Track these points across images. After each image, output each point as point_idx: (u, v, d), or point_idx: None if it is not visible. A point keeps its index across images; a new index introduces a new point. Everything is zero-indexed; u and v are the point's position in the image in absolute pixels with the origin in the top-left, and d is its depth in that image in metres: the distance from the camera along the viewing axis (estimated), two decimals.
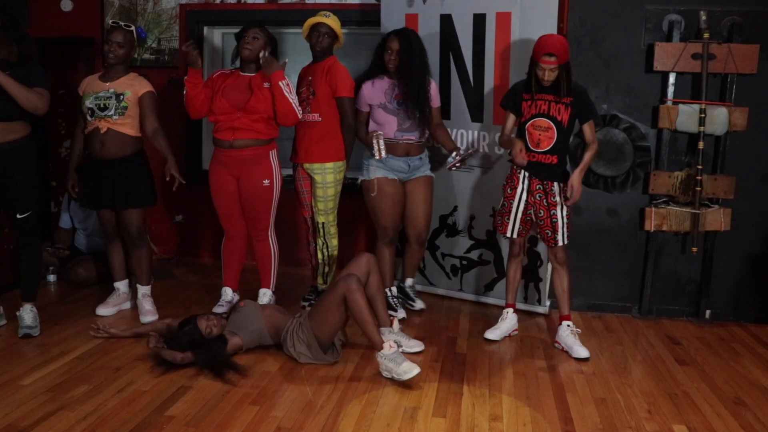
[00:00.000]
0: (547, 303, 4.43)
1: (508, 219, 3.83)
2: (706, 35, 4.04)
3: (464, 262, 4.63)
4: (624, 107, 4.30)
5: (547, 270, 4.34)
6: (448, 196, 4.58)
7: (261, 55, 3.94)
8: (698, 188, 4.13)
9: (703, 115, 4.07)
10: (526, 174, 3.75)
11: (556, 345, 3.82)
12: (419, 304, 4.42)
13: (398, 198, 4.20)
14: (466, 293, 4.65)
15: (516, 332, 4.00)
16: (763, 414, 3.10)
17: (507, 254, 4.08)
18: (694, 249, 4.23)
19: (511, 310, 3.99)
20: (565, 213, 3.75)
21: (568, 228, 3.78)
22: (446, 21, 4.37)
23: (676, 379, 3.47)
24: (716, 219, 4.20)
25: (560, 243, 3.77)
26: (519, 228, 3.83)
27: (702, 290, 4.34)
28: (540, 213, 3.75)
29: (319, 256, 4.36)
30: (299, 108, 3.98)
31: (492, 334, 3.92)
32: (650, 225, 4.24)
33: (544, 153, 3.68)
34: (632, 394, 3.27)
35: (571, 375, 3.49)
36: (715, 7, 4.11)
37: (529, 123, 3.69)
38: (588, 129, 3.72)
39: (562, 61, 3.53)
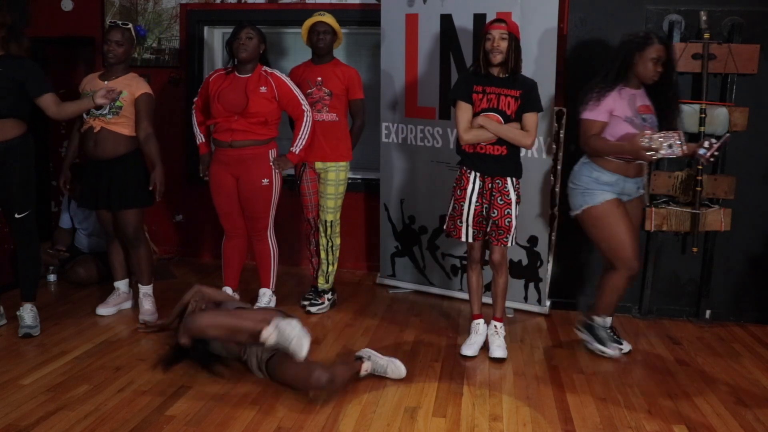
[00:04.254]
0: (547, 303, 4.43)
1: (461, 222, 3.64)
2: (706, 35, 4.04)
3: (464, 262, 4.63)
4: None
5: (547, 270, 4.34)
6: (447, 195, 4.56)
7: (272, 164, 4.04)
8: (698, 188, 4.13)
9: (703, 115, 4.06)
10: (477, 174, 3.60)
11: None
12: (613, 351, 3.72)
13: (632, 223, 3.70)
14: (466, 293, 4.64)
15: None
16: (763, 414, 3.10)
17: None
18: (695, 249, 4.23)
19: (481, 320, 3.79)
20: (517, 212, 3.62)
21: (517, 229, 3.67)
22: (446, 21, 4.37)
23: (676, 379, 3.47)
24: (716, 219, 4.20)
25: (509, 244, 3.63)
26: (474, 232, 3.65)
27: (702, 290, 4.34)
28: (494, 213, 3.58)
29: (323, 255, 4.36)
30: (308, 108, 4.05)
31: (468, 349, 3.70)
32: (650, 225, 4.24)
33: (492, 144, 3.55)
34: (632, 394, 3.27)
35: (571, 375, 3.49)
36: (716, 7, 4.11)
37: (480, 116, 3.55)
38: (529, 119, 3.52)
39: (512, 29, 3.47)
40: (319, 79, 4.18)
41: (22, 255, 3.83)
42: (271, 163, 4.03)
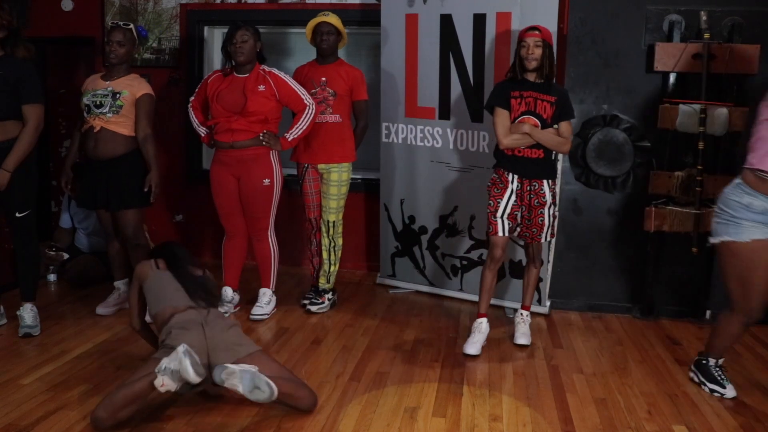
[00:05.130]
0: (548, 303, 4.43)
1: (495, 218, 3.73)
2: (706, 35, 4.04)
3: (464, 262, 4.63)
4: (624, 107, 4.30)
5: (547, 270, 4.34)
6: (447, 196, 4.59)
7: (261, 138, 4.00)
8: (698, 188, 4.13)
9: (703, 116, 4.06)
10: (516, 176, 3.71)
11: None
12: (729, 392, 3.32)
13: None
14: (467, 293, 4.65)
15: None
16: (764, 414, 3.10)
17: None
18: (695, 249, 4.22)
19: (484, 320, 3.80)
20: (552, 212, 3.78)
21: (553, 227, 3.82)
22: (446, 21, 4.37)
23: (676, 379, 3.47)
24: None
25: (543, 241, 3.84)
26: (509, 225, 3.74)
27: (702, 291, 4.34)
28: (529, 213, 3.75)
29: (325, 255, 4.37)
30: (311, 102, 4.04)
31: (471, 348, 3.72)
32: (650, 225, 4.23)
33: (530, 148, 3.68)
34: (632, 395, 3.27)
35: (571, 375, 3.49)
36: (716, 7, 4.11)
37: (518, 120, 3.67)
38: (565, 127, 3.69)
39: (546, 36, 3.60)
40: (324, 79, 4.18)
41: (22, 254, 3.82)
42: (260, 136, 4.00)
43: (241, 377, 2.67)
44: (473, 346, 3.73)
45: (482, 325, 3.80)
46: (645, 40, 4.22)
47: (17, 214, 3.71)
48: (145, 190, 3.96)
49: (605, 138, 4.31)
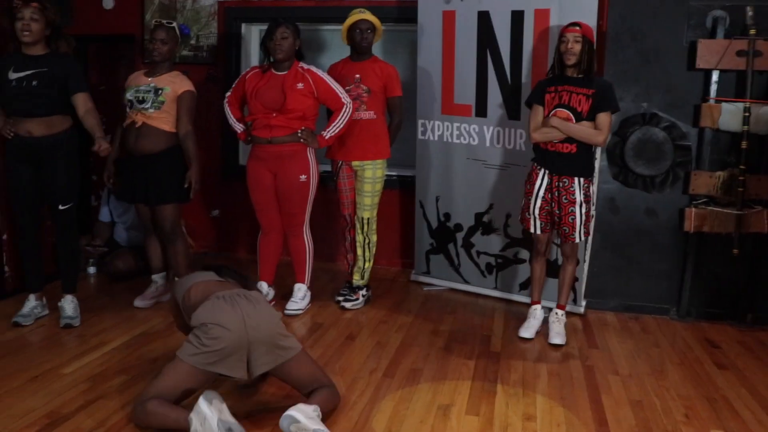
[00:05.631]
0: (583, 303, 4.39)
1: (528, 214, 3.85)
2: (752, 31, 3.95)
3: (499, 260, 4.61)
4: (664, 105, 4.23)
5: (583, 269, 4.30)
6: (483, 193, 4.56)
7: (299, 135, 4.01)
8: (741, 189, 4.05)
9: (747, 114, 3.98)
10: (546, 171, 3.75)
11: None
12: None
13: None
14: (501, 291, 4.63)
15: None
16: None
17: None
18: (736, 251, 4.14)
19: (539, 306, 4.01)
20: (584, 210, 3.75)
21: (586, 225, 3.80)
22: (484, 18, 4.35)
23: (715, 383, 3.40)
24: (760, 221, 4.10)
25: (577, 240, 3.81)
26: (541, 224, 3.83)
27: (743, 293, 4.25)
28: (558, 210, 3.76)
29: (359, 251, 4.38)
30: (349, 101, 4.05)
31: (526, 332, 3.92)
32: (690, 226, 4.17)
33: (562, 142, 3.69)
34: (669, 398, 3.22)
35: (607, 376, 3.44)
36: (763, 2, 4.01)
37: (550, 114, 3.70)
38: (601, 119, 3.65)
39: (586, 32, 3.62)
40: (358, 76, 4.19)
41: (63, 247, 3.90)
42: (298, 133, 4.01)
43: None
44: (528, 330, 3.92)
45: (537, 311, 3.99)
46: (687, 37, 4.14)
47: (60, 207, 3.79)
48: (186, 186, 4.01)
49: (644, 137, 4.25)
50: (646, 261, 4.39)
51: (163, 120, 3.98)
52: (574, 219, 3.74)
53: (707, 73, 4.12)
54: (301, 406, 2.64)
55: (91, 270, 4.91)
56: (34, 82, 3.61)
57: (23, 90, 3.61)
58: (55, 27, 3.70)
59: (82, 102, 3.73)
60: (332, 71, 4.30)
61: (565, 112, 3.67)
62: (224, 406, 2.56)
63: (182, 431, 2.57)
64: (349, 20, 4.18)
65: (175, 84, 4.00)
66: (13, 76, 3.62)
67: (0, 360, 3.38)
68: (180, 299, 2.97)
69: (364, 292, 4.43)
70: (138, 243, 4.82)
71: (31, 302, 3.91)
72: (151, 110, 3.94)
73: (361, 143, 4.22)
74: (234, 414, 2.60)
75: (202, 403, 2.50)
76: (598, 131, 3.65)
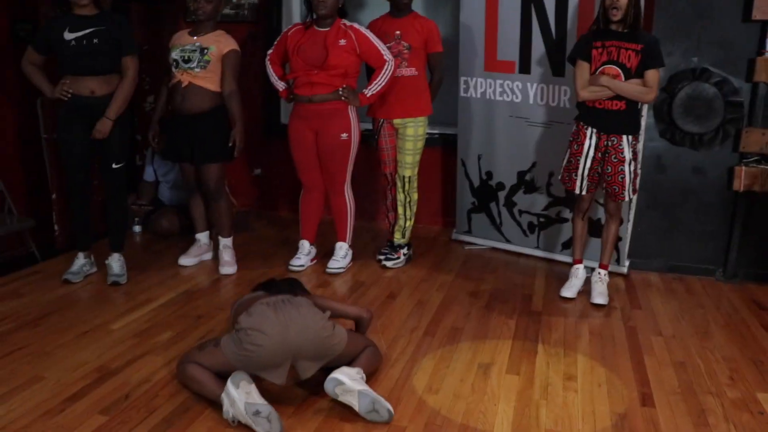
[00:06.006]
0: (626, 263, 4.33)
1: (576, 175, 3.77)
2: None
3: (542, 220, 4.56)
4: (716, 60, 4.08)
5: (627, 229, 4.23)
6: (526, 151, 4.50)
7: (341, 93, 3.97)
8: None
9: None
10: (594, 130, 3.67)
11: None
12: None
13: None
14: (543, 251, 4.59)
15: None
16: None
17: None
18: None
19: (581, 266, 3.98)
20: (632, 168, 3.69)
21: (634, 183, 3.74)
22: None
23: (761, 345, 3.34)
24: None
25: (626, 198, 3.76)
26: (587, 184, 3.78)
27: None
28: (608, 169, 3.69)
29: (400, 210, 4.38)
30: (391, 58, 4.00)
31: (568, 291, 3.90)
32: (740, 185, 4.05)
33: (611, 99, 3.60)
34: (713, 359, 3.18)
35: (649, 337, 3.41)
36: None
37: (599, 71, 3.61)
38: (650, 76, 3.56)
39: None
40: (398, 32, 4.13)
41: (112, 206, 3.98)
42: (339, 91, 4.00)
43: (359, 398, 2.57)
44: (569, 289, 3.90)
45: (579, 271, 3.96)
46: None
47: (114, 165, 3.85)
48: (230, 145, 4.03)
49: (694, 93, 4.12)
50: (692, 221, 4.30)
51: (209, 79, 3.99)
52: (623, 178, 3.67)
53: (764, 25, 3.95)
54: (344, 368, 2.67)
55: (137, 229, 5.01)
56: (95, 40, 3.65)
57: (84, 48, 3.65)
58: None
59: (130, 64, 3.78)
60: (372, 27, 4.24)
61: (615, 68, 3.57)
62: (252, 387, 2.54)
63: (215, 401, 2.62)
64: None
65: (220, 43, 4.00)
66: (69, 36, 3.65)
67: (52, 315, 3.49)
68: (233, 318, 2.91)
69: (405, 250, 4.44)
70: (182, 202, 4.89)
71: (80, 260, 4.01)
72: (197, 70, 3.95)
73: (402, 101, 4.19)
74: (265, 393, 2.59)
75: (229, 386, 2.53)
76: (648, 89, 3.56)
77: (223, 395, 2.55)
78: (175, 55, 4.00)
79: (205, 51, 3.95)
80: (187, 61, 3.96)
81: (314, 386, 2.78)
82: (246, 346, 2.60)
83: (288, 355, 2.64)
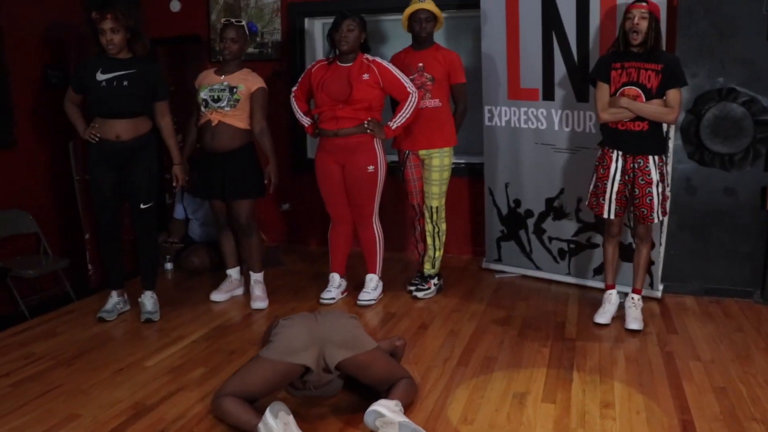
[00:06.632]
0: (660, 287, 4.27)
1: (603, 200, 3.75)
2: None
3: (572, 246, 4.52)
4: (743, 80, 4.06)
5: (660, 252, 4.18)
6: (553, 178, 4.48)
7: (366, 126, 4.02)
8: None
9: None
10: (620, 153, 3.65)
11: None
12: None
13: None
14: (574, 277, 4.55)
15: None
16: None
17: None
18: None
19: (614, 291, 3.92)
20: (660, 189, 3.65)
21: (662, 205, 3.70)
22: (548, 0, 4.25)
23: None
24: None
25: (655, 221, 3.72)
26: (616, 208, 3.74)
27: None
28: (635, 191, 3.66)
29: (429, 240, 4.38)
30: (414, 90, 4.03)
31: (602, 318, 3.85)
32: None
33: (633, 120, 3.58)
34: (756, 384, 3.10)
35: (687, 362, 3.34)
36: None
37: (618, 92, 3.60)
38: (672, 95, 3.54)
39: (653, 9, 3.50)
40: (421, 65, 4.17)
41: (143, 245, 4.03)
42: (365, 124, 4.03)
43: (400, 429, 2.56)
44: (603, 315, 3.85)
45: (612, 296, 3.91)
46: (766, 6, 3.95)
47: (142, 206, 3.91)
48: (266, 182, 4.08)
49: (721, 113, 4.09)
50: (726, 242, 4.23)
51: (238, 117, 4.05)
52: (651, 200, 3.64)
53: None
54: (383, 401, 2.65)
55: (168, 266, 5.06)
56: (125, 83, 3.74)
57: (114, 90, 3.74)
58: (133, 31, 3.81)
59: (163, 110, 3.91)
60: (395, 61, 4.29)
61: (635, 89, 3.56)
62: (291, 419, 2.56)
63: None
64: (409, 9, 4.16)
65: (248, 81, 4.07)
66: (101, 77, 3.75)
67: (87, 353, 3.52)
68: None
69: (435, 281, 4.42)
70: (211, 239, 4.94)
71: (114, 298, 4.06)
72: (227, 108, 4.02)
73: (427, 132, 4.21)
74: (301, 425, 2.60)
75: (268, 416, 2.53)
76: (669, 109, 3.55)
77: (261, 425, 2.53)
78: (204, 95, 4.07)
79: (234, 90, 4.02)
80: (217, 100, 4.02)
81: (350, 417, 2.78)
82: (275, 330, 2.77)
83: (316, 339, 2.75)
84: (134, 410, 2.91)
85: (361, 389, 2.96)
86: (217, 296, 4.34)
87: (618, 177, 3.67)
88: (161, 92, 3.88)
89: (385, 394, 2.81)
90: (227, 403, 2.71)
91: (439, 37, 4.33)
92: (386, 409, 2.60)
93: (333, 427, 2.76)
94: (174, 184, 4.02)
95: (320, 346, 2.76)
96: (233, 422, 2.69)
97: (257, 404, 2.74)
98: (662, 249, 4.22)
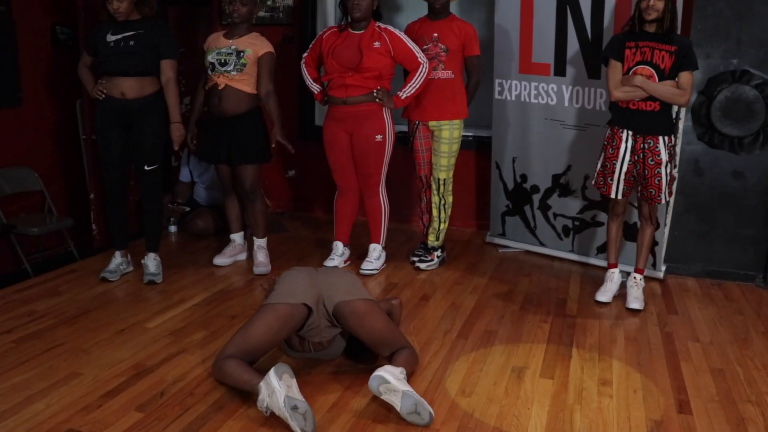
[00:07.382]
0: (663, 267, 4.27)
1: (612, 180, 3.73)
2: None
3: (577, 223, 4.52)
4: (757, 62, 4.01)
5: (664, 233, 4.17)
6: (561, 154, 4.46)
7: (375, 95, 3.98)
8: None
9: None
10: (630, 132, 3.63)
11: None
12: None
13: None
14: (577, 254, 4.55)
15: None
16: None
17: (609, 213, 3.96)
18: None
19: (616, 270, 3.93)
20: (668, 170, 3.64)
21: (670, 186, 3.69)
22: None
23: None
24: None
25: (663, 201, 3.71)
26: (624, 188, 3.73)
27: None
28: (644, 172, 3.64)
29: (435, 212, 4.37)
30: (425, 61, 4.00)
31: (603, 296, 3.86)
32: None
33: (644, 100, 3.55)
34: (753, 367, 3.12)
35: (686, 343, 3.36)
36: None
37: (632, 71, 3.57)
38: (684, 78, 3.52)
39: None
40: (435, 35, 4.13)
41: (148, 207, 4.03)
42: (374, 93, 4.01)
43: (403, 398, 2.54)
44: (605, 294, 3.87)
45: (614, 275, 3.92)
46: None
47: (146, 168, 3.91)
48: (272, 145, 4.07)
49: (733, 95, 4.05)
50: (731, 225, 4.22)
51: (245, 82, 4.03)
52: (660, 181, 3.63)
53: None
54: (388, 367, 2.66)
55: (172, 228, 5.07)
56: (132, 42, 3.74)
57: (120, 49, 3.74)
58: None
59: (167, 68, 3.85)
60: (409, 30, 4.25)
61: (648, 69, 3.53)
62: (293, 382, 2.56)
63: (251, 392, 2.63)
64: None
65: (255, 45, 4.04)
66: (111, 38, 3.76)
67: (90, 313, 3.55)
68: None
69: (438, 253, 4.43)
70: (217, 202, 4.94)
71: (117, 259, 4.07)
72: (234, 73, 3.99)
73: (438, 103, 4.18)
74: (302, 388, 2.59)
75: (272, 376, 2.52)
76: (682, 91, 3.52)
77: (262, 383, 2.54)
78: (211, 58, 4.04)
79: (242, 54, 3.99)
80: (224, 64, 4.00)
81: (350, 383, 2.82)
82: (278, 280, 2.91)
83: (317, 284, 2.87)
84: (135, 371, 2.94)
85: (361, 356, 3.00)
86: (220, 260, 4.36)
87: (627, 157, 3.65)
88: (166, 51, 3.83)
89: (388, 360, 2.83)
90: (228, 365, 2.73)
91: (451, 7, 4.28)
92: (392, 376, 2.60)
93: (333, 392, 2.79)
94: (174, 147, 3.97)
95: (320, 289, 2.84)
96: (233, 382, 2.71)
97: (259, 366, 2.77)
98: (666, 230, 4.21)
